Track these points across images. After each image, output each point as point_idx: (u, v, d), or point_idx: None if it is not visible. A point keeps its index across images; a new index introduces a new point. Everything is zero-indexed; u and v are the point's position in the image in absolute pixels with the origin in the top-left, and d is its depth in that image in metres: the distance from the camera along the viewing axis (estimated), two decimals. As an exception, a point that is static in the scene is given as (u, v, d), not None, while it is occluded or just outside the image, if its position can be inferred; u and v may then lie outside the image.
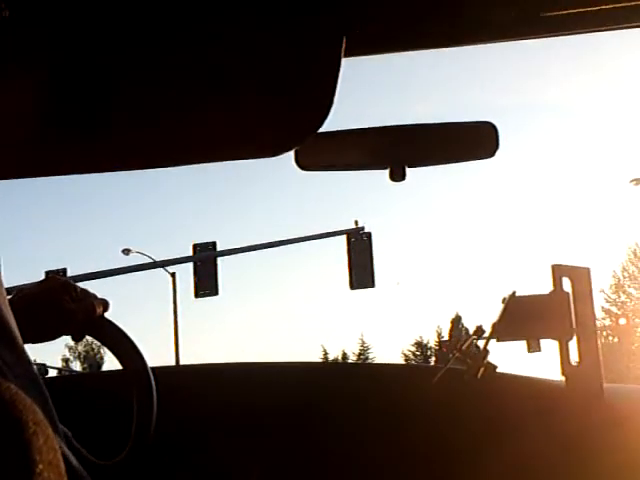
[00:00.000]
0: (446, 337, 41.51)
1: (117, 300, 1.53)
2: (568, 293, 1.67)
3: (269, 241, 20.06)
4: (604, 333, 33.01)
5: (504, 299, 1.69)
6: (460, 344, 1.71)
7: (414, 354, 43.36)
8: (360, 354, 43.29)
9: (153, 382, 1.47)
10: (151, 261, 21.12)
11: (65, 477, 0.62)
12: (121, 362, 1.51)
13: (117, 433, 1.45)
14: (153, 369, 1.49)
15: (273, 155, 0.78)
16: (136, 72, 0.70)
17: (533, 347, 1.75)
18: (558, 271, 1.67)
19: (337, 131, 1.58)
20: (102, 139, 0.75)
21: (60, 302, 1.46)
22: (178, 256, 20.29)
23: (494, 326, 1.68)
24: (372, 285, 17.99)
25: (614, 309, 33.92)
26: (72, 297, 1.47)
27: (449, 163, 1.68)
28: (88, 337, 1.53)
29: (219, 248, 19.28)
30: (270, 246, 19.90)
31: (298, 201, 50.94)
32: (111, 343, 1.51)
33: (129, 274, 19.17)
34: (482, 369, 1.67)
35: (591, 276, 1.68)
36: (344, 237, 18.32)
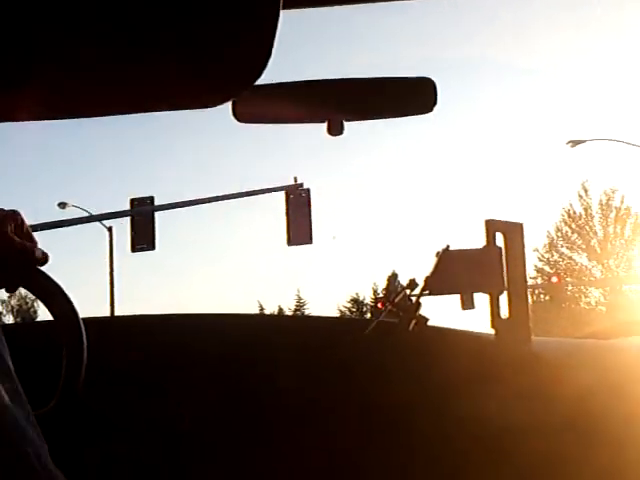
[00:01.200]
0: (382, 294, 41.83)
1: (53, 254, 1.50)
2: (501, 248, 1.70)
3: (207, 196, 19.95)
4: (536, 291, 33.55)
5: (438, 253, 1.72)
6: (393, 297, 1.74)
7: (350, 310, 43.65)
8: (296, 310, 43.44)
9: (83, 330, 1.45)
10: (88, 215, 20.87)
11: None
12: (51, 311, 1.49)
13: (47, 383, 1.44)
14: (85, 319, 1.47)
15: (209, 106, 0.78)
16: (66, 17, 0.69)
17: (467, 304, 1.77)
18: (492, 226, 1.70)
19: (275, 83, 1.57)
20: (32, 85, 0.74)
21: (4, 233, 1.37)
22: (115, 210, 20.08)
23: (427, 280, 1.71)
24: (310, 241, 18.05)
25: (547, 268, 34.36)
26: (21, 230, 1.41)
27: (387, 118, 1.69)
28: (21, 290, 1.50)
29: (157, 203, 19.11)
30: (208, 201, 19.79)
31: (238, 157, 50.61)
32: (42, 292, 1.49)
33: (65, 228, 18.94)
34: (414, 322, 1.70)
35: (524, 232, 1.72)
36: (283, 193, 18.31)
